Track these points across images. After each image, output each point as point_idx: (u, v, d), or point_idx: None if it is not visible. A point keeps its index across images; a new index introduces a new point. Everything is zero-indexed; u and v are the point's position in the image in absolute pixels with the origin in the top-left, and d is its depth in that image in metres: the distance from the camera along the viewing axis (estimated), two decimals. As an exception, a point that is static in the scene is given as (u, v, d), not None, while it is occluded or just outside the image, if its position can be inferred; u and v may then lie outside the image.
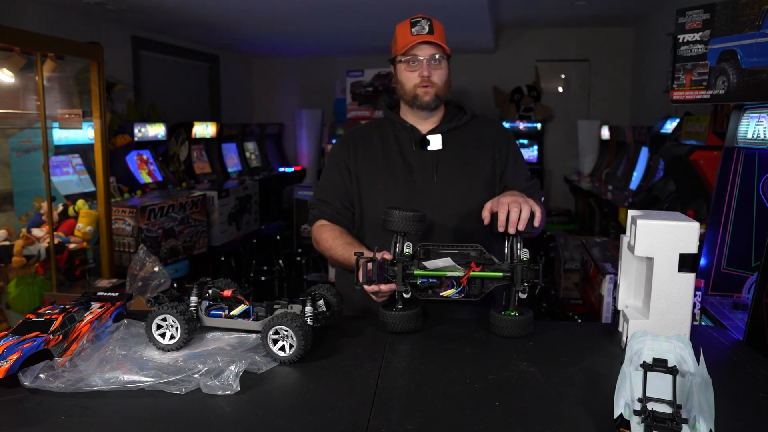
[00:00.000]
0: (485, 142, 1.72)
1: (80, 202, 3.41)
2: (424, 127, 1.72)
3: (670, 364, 0.94)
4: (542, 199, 1.77)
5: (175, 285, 1.64)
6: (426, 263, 1.35)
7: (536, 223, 1.35)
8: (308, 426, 0.95)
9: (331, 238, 1.67)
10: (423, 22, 1.63)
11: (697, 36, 1.99)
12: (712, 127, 3.16)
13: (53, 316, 1.21)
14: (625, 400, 0.89)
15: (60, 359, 1.14)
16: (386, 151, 1.71)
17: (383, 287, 1.38)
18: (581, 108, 7.64)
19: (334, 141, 6.74)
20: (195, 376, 1.09)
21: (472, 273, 1.33)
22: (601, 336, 1.38)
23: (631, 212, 1.31)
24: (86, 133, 3.70)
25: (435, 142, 1.68)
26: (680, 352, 1.00)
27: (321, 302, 1.31)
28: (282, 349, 1.18)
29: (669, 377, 0.92)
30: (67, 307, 1.27)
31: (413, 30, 1.63)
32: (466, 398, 1.04)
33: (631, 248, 1.28)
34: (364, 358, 1.22)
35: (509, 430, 0.94)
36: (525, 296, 1.34)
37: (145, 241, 3.93)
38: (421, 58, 1.63)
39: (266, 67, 8.66)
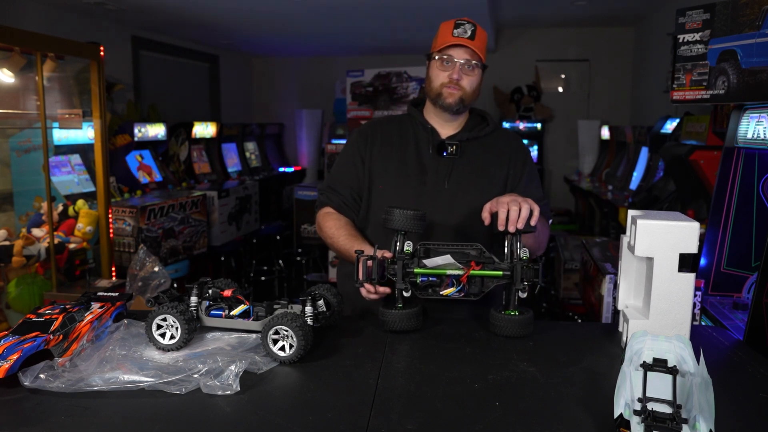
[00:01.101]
0: (502, 157, 1.71)
1: (80, 202, 3.41)
2: (445, 131, 1.71)
3: (670, 364, 0.94)
4: (550, 221, 1.76)
5: (175, 285, 1.64)
6: (426, 261, 1.36)
7: (533, 221, 1.35)
8: (308, 426, 0.95)
9: (334, 227, 1.67)
10: (467, 26, 1.62)
11: (697, 36, 1.99)
12: (712, 127, 3.16)
13: (53, 316, 1.21)
14: (625, 400, 0.89)
15: (60, 359, 1.14)
16: (403, 151, 1.70)
17: (380, 289, 1.39)
18: (581, 108, 7.64)
19: (334, 141, 6.75)
20: (195, 376, 1.09)
21: (472, 271, 1.33)
22: (601, 336, 1.38)
23: (631, 212, 1.31)
24: (86, 133, 3.70)
25: (452, 150, 1.67)
26: (680, 352, 1.00)
27: (321, 302, 1.32)
28: (282, 349, 1.18)
29: (669, 377, 0.92)
30: (67, 307, 1.27)
31: (455, 31, 1.62)
32: (466, 398, 1.04)
33: (631, 248, 1.28)
34: (364, 358, 1.22)
35: (509, 430, 0.94)
36: (525, 295, 1.34)
37: (145, 241, 3.93)
38: (456, 60, 1.62)
39: (266, 67, 8.66)
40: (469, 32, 1.61)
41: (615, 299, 1.47)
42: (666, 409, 0.86)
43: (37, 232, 3.10)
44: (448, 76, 1.63)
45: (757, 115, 1.88)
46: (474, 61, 1.63)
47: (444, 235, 1.61)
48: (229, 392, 1.04)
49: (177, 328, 1.21)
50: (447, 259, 1.35)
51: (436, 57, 1.65)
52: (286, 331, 1.17)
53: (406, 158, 1.69)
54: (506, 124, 7.58)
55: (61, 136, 3.82)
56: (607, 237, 4.42)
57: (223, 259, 5.16)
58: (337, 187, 1.73)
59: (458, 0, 4.60)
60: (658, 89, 5.86)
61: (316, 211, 1.77)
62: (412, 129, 1.74)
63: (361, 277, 1.35)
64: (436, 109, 1.69)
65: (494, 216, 1.40)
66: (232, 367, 1.09)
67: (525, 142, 7.95)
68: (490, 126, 1.73)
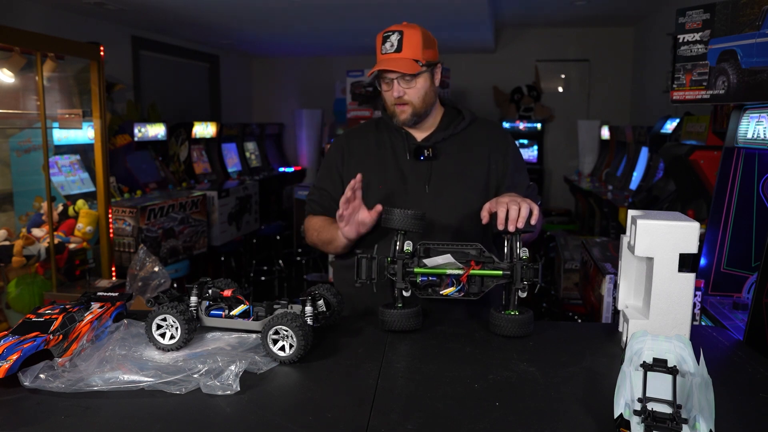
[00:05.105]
0: (481, 150, 1.69)
1: (80, 202, 3.41)
2: (419, 133, 1.70)
3: (670, 364, 0.94)
4: (539, 203, 1.76)
5: (175, 285, 1.64)
6: (426, 260, 1.36)
7: (533, 220, 1.35)
8: (308, 426, 0.95)
9: (320, 221, 1.70)
10: (393, 37, 1.56)
11: (697, 36, 1.99)
12: (712, 127, 3.16)
13: (53, 316, 1.21)
14: (625, 400, 0.89)
15: (60, 359, 1.14)
16: (380, 158, 1.70)
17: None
18: (581, 108, 7.64)
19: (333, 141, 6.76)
20: (195, 376, 1.09)
21: (471, 271, 1.33)
22: (601, 336, 1.38)
23: (631, 212, 1.31)
24: (86, 133, 3.69)
25: (428, 153, 1.66)
26: (680, 352, 1.00)
27: (321, 302, 1.32)
28: (282, 349, 1.18)
29: (669, 377, 0.92)
30: (67, 307, 1.27)
31: (383, 47, 1.58)
32: (466, 398, 1.04)
33: (631, 248, 1.28)
34: (364, 358, 1.22)
35: (509, 430, 0.94)
36: (524, 295, 1.34)
37: (145, 241, 3.93)
38: (392, 78, 1.59)
39: (266, 67, 8.66)
40: (396, 44, 1.55)
41: (615, 299, 1.47)
42: (666, 409, 0.86)
43: (37, 232, 3.10)
44: (392, 95, 1.61)
45: (757, 115, 1.88)
46: (410, 74, 1.57)
47: (431, 238, 1.60)
48: (229, 392, 1.04)
49: (177, 328, 1.21)
50: (447, 258, 1.35)
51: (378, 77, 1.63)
52: (286, 331, 1.17)
53: (384, 166, 1.68)
54: (506, 124, 7.59)
55: (61, 136, 3.82)
56: (607, 237, 4.42)
57: (223, 259, 5.17)
58: (320, 201, 1.75)
59: (458, 0, 4.59)
60: (658, 89, 5.86)
61: (305, 217, 1.80)
62: (388, 135, 1.72)
63: (362, 276, 1.36)
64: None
65: (493, 216, 1.40)
66: (232, 367, 1.09)
67: (525, 142, 7.86)
68: (466, 120, 1.70)
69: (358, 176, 1.50)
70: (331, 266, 4.72)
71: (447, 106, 1.76)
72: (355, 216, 1.54)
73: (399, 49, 1.56)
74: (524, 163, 1.77)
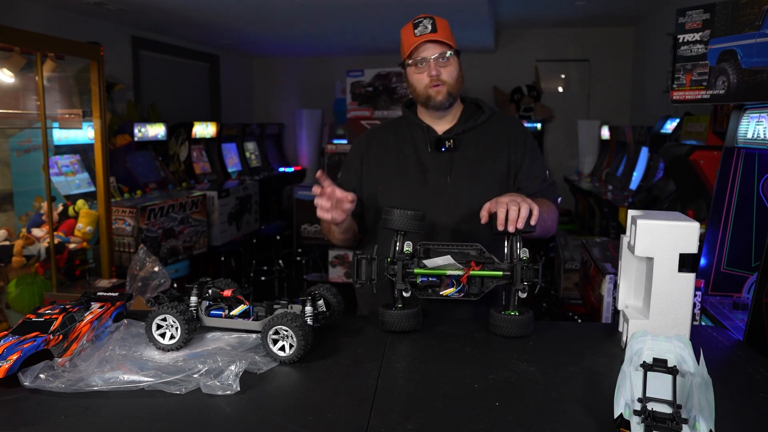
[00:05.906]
0: (501, 143, 1.71)
1: (80, 202, 3.41)
2: (440, 127, 1.72)
3: (670, 364, 0.94)
4: (558, 200, 1.76)
5: (175, 285, 1.64)
6: (426, 261, 1.36)
7: (533, 221, 1.35)
8: (308, 426, 0.95)
9: None
10: (425, 21, 1.62)
11: (697, 36, 1.99)
12: (712, 127, 3.16)
13: (53, 316, 1.21)
14: (625, 400, 0.89)
15: (60, 359, 1.14)
16: (402, 153, 1.71)
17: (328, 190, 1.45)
18: (581, 108, 7.64)
19: (334, 141, 6.77)
20: (195, 376, 1.09)
21: (471, 272, 1.33)
22: (601, 336, 1.38)
23: (631, 212, 1.31)
24: (86, 133, 3.70)
25: (450, 144, 1.68)
26: (680, 352, 1.00)
27: (321, 302, 1.32)
28: (282, 349, 1.18)
29: (669, 377, 0.92)
30: (67, 307, 1.27)
31: (416, 31, 1.62)
32: (466, 398, 1.04)
33: (631, 248, 1.28)
34: (364, 358, 1.22)
35: (509, 430, 0.94)
36: (525, 296, 1.34)
37: (145, 241, 3.93)
38: (428, 57, 1.62)
39: (266, 67, 8.66)
40: (429, 27, 1.61)
41: (615, 299, 1.47)
42: (666, 409, 0.86)
43: (37, 232, 3.10)
44: (427, 76, 1.63)
45: (757, 115, 1.88)
46: (446, 52, 1.62)
47: (450, 231, 1.62)
48: (229, 392, 1.04)
49: (177, 328, 1.21)
50: (447, 259, 1.35)
51: (409, 62, 1.65)
52: (286, 331, 1.17)
53: (405, 160, 1.70)
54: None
55: (61, 136, 3.82)
56: (607, 237, 4.42)
57: (223, 259, 5.17)
58: None
59: (458, 0, 4.59)
60: (658, 89, 5.86)
61: None
62: (409, 130, 1.74)
63: (362, 277, 1.36)
64: (429, 110, 1.70)
65: (493, 216, 1.40)
66: (232, 367, 1.09)
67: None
68: (486, 114, 1.73)
69: (319, 172, 1.52)
70: (331, 266, 4.72)
71: (467, 102, 1.78)
72: (333, 201, 1.53)
73: (435, 30, 1.61)
74: (542, 158, 1.80)
